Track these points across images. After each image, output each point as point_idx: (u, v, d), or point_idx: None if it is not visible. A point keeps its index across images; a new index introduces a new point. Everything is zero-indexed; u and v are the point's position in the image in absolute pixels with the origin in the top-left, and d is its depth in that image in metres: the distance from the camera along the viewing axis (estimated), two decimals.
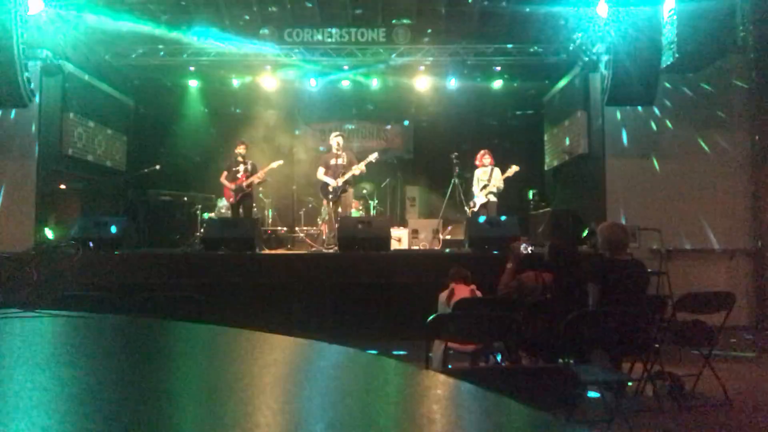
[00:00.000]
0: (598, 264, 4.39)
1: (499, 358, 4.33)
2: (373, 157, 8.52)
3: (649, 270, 5.26)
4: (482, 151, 8.94)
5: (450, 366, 4.10)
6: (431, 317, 3.66)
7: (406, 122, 12.44)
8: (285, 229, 10.37)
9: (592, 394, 4.23)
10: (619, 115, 8.52)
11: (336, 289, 7.04)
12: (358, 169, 8.46)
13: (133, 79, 10.98)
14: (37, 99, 8.09)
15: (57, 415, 0.92)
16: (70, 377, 1.20)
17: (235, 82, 11.49)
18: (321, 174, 8.59)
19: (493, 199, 8.72)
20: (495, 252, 7.09)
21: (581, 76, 9.22)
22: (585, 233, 8.16)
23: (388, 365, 1.40)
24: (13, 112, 8.21)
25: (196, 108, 12.05)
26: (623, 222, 8.15)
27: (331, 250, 8.30)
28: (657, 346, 4.35)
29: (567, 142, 9.96)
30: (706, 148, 8.49)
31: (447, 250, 8.73)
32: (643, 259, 5.39)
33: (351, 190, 8.81)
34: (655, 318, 4.30)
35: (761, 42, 8.38)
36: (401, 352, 6.16)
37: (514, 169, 8.73)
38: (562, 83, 10.32)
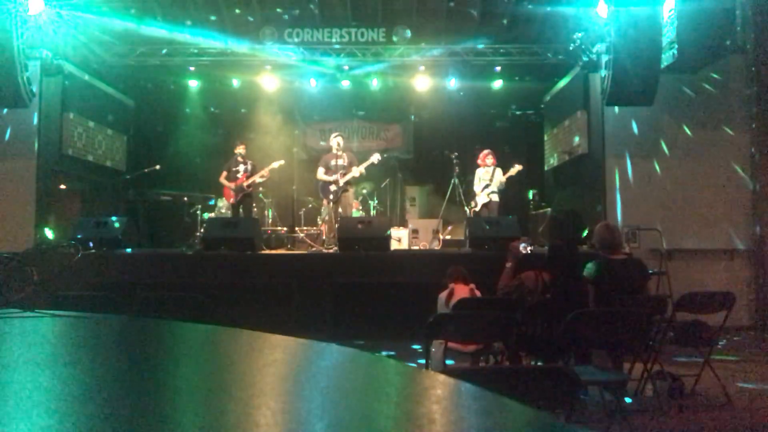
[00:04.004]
0: (594, 264, 4.41)
1: (499, 358, 4.33)
2: (374, 158, 8.51)
3: (649, 270, 5.27)
4: (485, 151, 8.93)
5: (450, 366, 4.09)
6: (431, 317, 3.66)
7: (412, 117, 12.39)
8: (285, 229, 10.36)
9: (593, 394, 4.23)
10: (619, 115, 8.52)
11: (336, 289, 7.04)
12: (358, 171, 8.47)
13: (133, 79, 10.97)
14: (37, 99, 8.09)
15: (57, 415, 0.92)
16: (70, 377, 1.20)
17: (235, 82, 11.49)
18: (321, 174, 8.59)
19: (495, 198, 8.73)
20: (495, 252, 7.09)
21: (581, 76, 9.21)
22: (585, 233, 8.16)
23: (388, 365, 1.40)
24: (13, 112, 8.20)
25: (196, 108, 12.04)
26: (622, 222, 8.16)
27: (331, 250, 8.30)
28: (657, 346, 4.35)
29: (567, 142, 9.96)
30: (705, 147, 8.49)
31: (447, 250, 8.73)
32: (643, 259, 5.40)
33: (351, 191, 8.81)
34: (655, 318, 4.30)
35: (761, 42, 8.38)
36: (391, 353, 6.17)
37: (517, 168, 8.74)
38: (562, 83, 10.32)
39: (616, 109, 8.44)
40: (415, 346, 6.30)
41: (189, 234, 9.84)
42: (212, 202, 10.22)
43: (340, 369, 1.42)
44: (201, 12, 9.82)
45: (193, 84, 11.71)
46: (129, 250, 7.50)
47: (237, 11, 9.92)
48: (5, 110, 8.24)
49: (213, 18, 9.88)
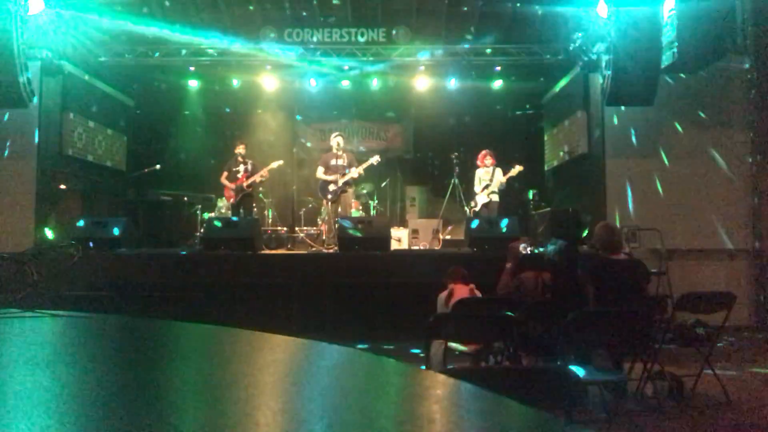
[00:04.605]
0: (592, 264, 4.41)
1: (499, 358, 4.33)
2: (373, 160, 8.52)
3: (649, 270, 5.27)
4: (484, 152, 8.93)
5: (450, 366, 4.09)
6: (431, 317, 3.66)
7: (412, 117, 12.35)
8: (285, 229, 10.36)
9: (593, 394, 4.23)
10: (618, 116, 8.52)
11: (336, 289, 7.04)
12: (357, 172, 8.47)
13: (132, 79, 10.96)
14: (37, 99, 8.08)
15: (57, 415, 0.92)
16: (70, 377, 1.20)
17: (235, 82, 11.48)
18: (321, 174, 8.60)
19: (495, 198, 8.73)
20: (495, 252, 7.08)
21: (581, 76, 9.20)
22: (585, 233, 8.16)
23: (388, 365, 1.40)
24: (13, 112, 8.20)
25: (196, 108, 12.03)
26: (622, 222, 8.16)
27: (331, 250, 8.30)
28: (657, 346, 4.35)
29: (567, 142, 9.96)
30: (705, 148, 8.49)
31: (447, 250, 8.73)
32: (643, 259, 5.39)
33: (350, 190, 8.82)
34: (655, 318, 4.30)
35: (761, 42, 8.37)
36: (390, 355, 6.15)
37: (518, 168, 8.74)
38: (562, 83, 10.32)
39: (616, 109, 8.44)
40: (415, 351, 6.27)
41: (189, 234, 9.84)
42: (191, 200, 10.19)
43: (340, 369, 1.42)
44: (201, 12, 9.81)
45: (193, 84, 11.70)
46: (129, 250, 7.50)
47: (237, 11, 9.92)
48: (5, 111, 8.24)
49: (213, 18, 9.88)
